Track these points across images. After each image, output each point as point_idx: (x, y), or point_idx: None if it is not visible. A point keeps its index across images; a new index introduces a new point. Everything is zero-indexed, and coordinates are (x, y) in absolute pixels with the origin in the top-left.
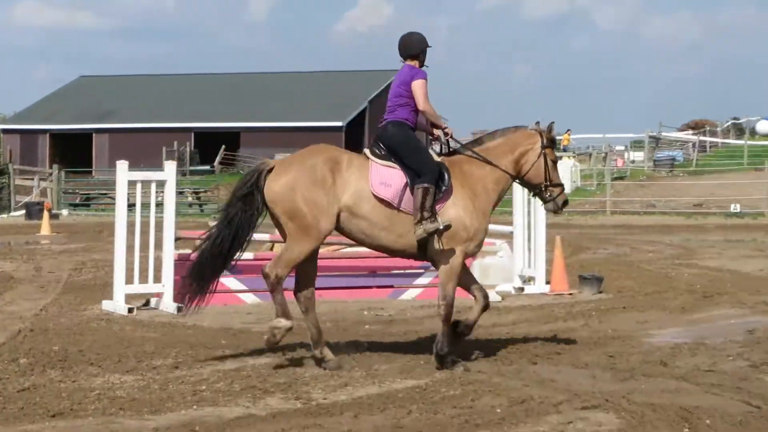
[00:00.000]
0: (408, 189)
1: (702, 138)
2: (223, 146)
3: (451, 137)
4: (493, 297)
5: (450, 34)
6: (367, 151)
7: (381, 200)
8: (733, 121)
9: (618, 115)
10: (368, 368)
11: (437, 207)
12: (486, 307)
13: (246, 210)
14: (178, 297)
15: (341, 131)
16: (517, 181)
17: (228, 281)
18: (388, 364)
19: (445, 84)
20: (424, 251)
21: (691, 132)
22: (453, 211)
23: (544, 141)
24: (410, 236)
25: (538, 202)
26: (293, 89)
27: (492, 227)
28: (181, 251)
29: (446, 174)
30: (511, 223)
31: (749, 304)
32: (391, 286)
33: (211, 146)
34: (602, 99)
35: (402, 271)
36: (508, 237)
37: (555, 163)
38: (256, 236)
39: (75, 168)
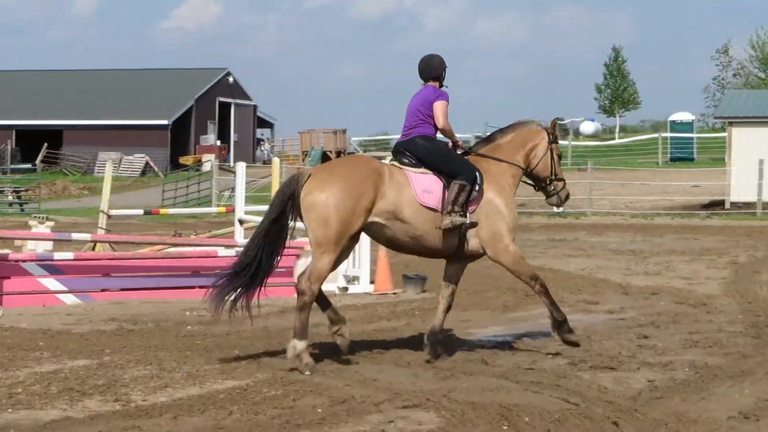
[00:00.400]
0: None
1: None
2: (46, 144)
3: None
4: None
5: (279, 32)
6: (395, 162)
7: (426, 207)
8: (557, 122)
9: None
10: (189, 369)
11: (473, 207)
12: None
13: (283, 220)
14: (213, 305)
15: (167, 130)
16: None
17: (47, 282)
18: (209, 365)
19: (275, 82)
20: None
21: None
22: (490, 208)
23: (551, 136)
24: (450, 237)
25: None
26: (118, 87)
27: None
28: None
29: (480, 176)
30: None
31: (570, 303)
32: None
33: (33, 144)
34: None
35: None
36: None
37: (560, 157)
38: (75, 236)
39: None
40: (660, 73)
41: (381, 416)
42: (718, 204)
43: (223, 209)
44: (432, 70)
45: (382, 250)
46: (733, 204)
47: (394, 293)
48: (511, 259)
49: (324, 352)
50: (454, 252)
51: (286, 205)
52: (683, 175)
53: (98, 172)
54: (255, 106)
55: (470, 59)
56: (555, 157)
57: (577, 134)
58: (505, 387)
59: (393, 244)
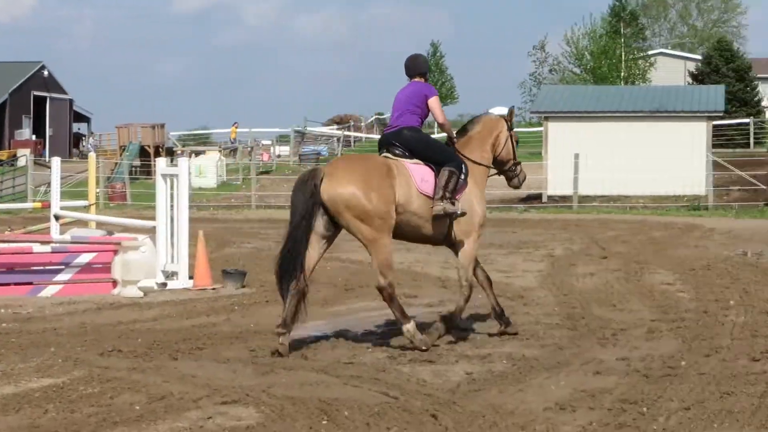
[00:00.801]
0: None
1: (346, 133)
2: None
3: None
4: (135, 293)
5: (96, 26)
6: (387, 154)
7: (425, 195)
8: (377, 116)
9: (266, 110)
10: (3, 368)
11: (458, 196)
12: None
13: (308, 219)
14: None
15: None
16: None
17: None
18: (25, 363)
19: (92, 76)
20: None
21: (336, 127)
22: (467, 199)
23: (508, 123)
24: (442, 224)
25: (181, 197)
26: None
27: (134, 222)
28: None
29: (465, 166)
30: (153, 218)
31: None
32: (31, 283)
33: None
34: (250, 94)
35: (42, 268)
36: (152, 232)
37: (518, 143)
38: None
39: None
40: (478, 68)
41: (200, 412)
42: (535, 197)
43: (38, 205)
44: (419, 66)
45: (201, 245)
46: (550, 197)
47: (214, 288)
48: (467, 251)
49: (139, 350)
50: (444, 238)
51: (311, 207)
52: None
53: None
54: (71, 100)
55: (290, 54)
56: (514, 142)
57: None
58: (324, 381)
59: (395, 233)
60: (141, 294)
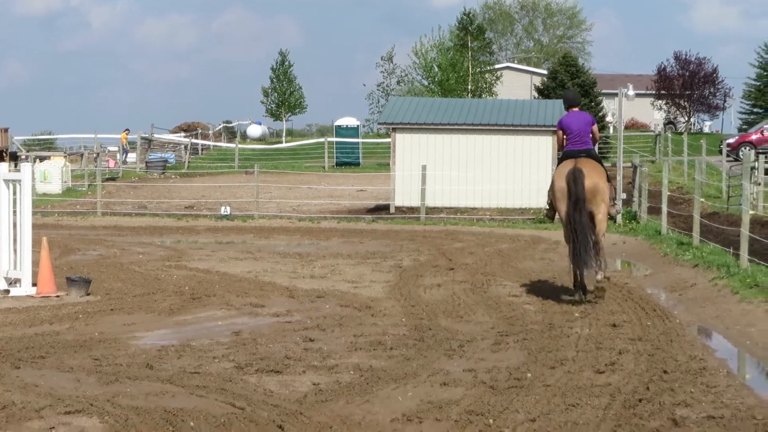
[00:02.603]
0: None
1: (194, 141)
2: None
3: None
4: None
5: None
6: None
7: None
8: (225, 125)
9: (113, 116)
10: None
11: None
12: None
13: (583, 198)
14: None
15: None
16: None
17: None
18: None
19: None
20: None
21: (183, 134)
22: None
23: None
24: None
25: (24, 202)
26: None
27: None
28: None
29: None
30: None
31: (236, 306)
32: None
33: None
34: (96, 99)
35: None
36: None
37: None
38: None
39: None
40: (327, 78)
41: (42, 422)
42: (384, 208)
43: None
44: (578, 100)
45: (44, 252)
46: (398, 208)
47: (58, 296)
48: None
49: None
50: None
51: (582, 191)
52: (349, 179)
53: None
54: None
55: (136, 60)
56: None
57: (245, 137)
58: (170, 391)
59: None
60: None
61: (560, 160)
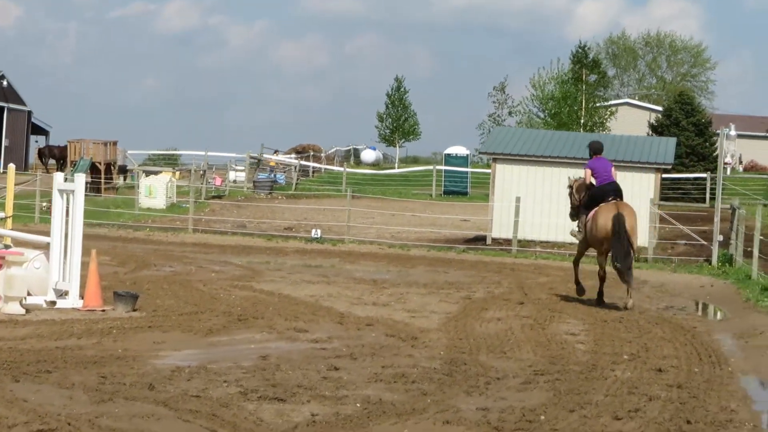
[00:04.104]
0: None
1: (304, 162)
2: None
3: None
4: (17, 310)
5: (78, 40)
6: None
7: None
8: (337, 148)
9: (233, 134)
10: None
11: None
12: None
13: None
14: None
15: None
16: None
17: None
18: None
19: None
20: None
21: (295, 155)
22: None
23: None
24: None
25: (76, 213)
26: None
27: (29, 236)
28: None
29: None
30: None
31: (279, 329)
32: None
33: None
34: (220, 117)
35: None
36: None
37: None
38: None
39: None
40: (441, 106)
41: None
42: (482, 239)
43: None
44: (602, 148)
45: (93, 264)
46: (494, 240)
47: (103, 310)
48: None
49: None
50: None
51: (621, 226)
52: (455, 208)
53: None
54: (29, 112)
55: (268, 81)
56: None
57: (359, 161)
58: (157, 414)
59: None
60: (22, 311)
61: (597, 194)
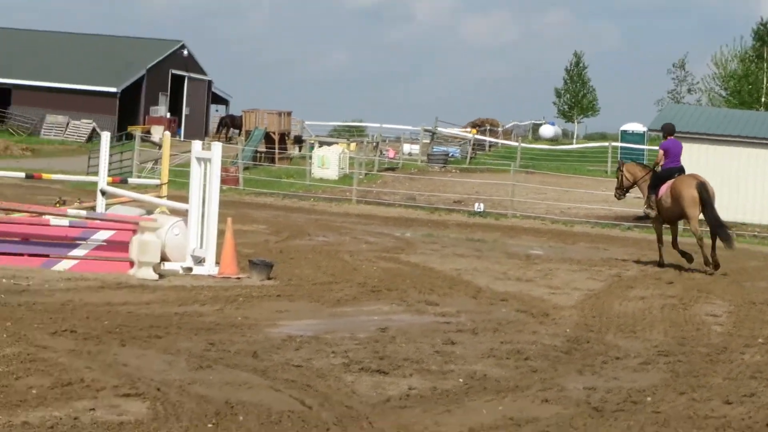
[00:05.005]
0: None
1: (479, 137)
2: None
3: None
4: (149, 275)
5: (271, 11)
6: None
7: None
8: (515, 123)
9: (422, 107)
10: None
11: None
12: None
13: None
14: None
15: (115, 97)
16: None
17: None
18: None
19: (262, 63)
20: None
21: (470, 129)
22: None
23: None
24: None
25: (212, 181)
26: (71, 51)
27: (169, 203)
28: None
29: None
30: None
31: (409, 302)
32: (47, 256)
33: None
34: (411, 90)
35: (58, 241)
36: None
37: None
38: None
39: None
40: (621, 82)
41: (88, 403)
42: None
43: (109, 179)
44: (674, 129)
45: (229, 232)
46: None
47: (238, 278)
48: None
49: (94, 333)
50: None
51: (707, 195)
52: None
53: (44, 134)
54: (210, 82)
55: (454, 55)
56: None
57: (537, 137)
58: (250, 383)
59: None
60: (155, 276)
61: (664, 175)
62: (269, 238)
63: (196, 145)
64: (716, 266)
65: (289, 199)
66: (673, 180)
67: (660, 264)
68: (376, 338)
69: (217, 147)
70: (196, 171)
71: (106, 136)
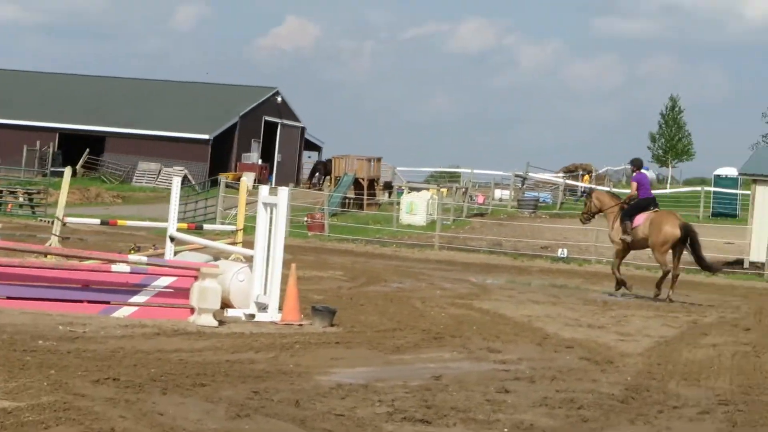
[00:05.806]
0: None
1: (569, 182)
2: (87, 150)
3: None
4: (209, 322)
5: (373, 59)
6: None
7: None
8: (608, 168)
9: (525, 152)
10: None
11: None
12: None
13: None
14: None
15: (207, 144)
16: None
17: None
18: (6, 382)
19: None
20: None
21: (562, 174)
22: None
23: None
24: None
25: (278, 227)
26: (165, 98)
27: (232, 249)
28: None
29: None
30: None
31: (471, 349)
32: (107, 302)
33: (75, 148)
34: (515, 136)
35: (119, 288)
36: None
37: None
38: None
39: None
40: (712, 126)
41: None
42: (740, 263)
43: (184, 225)
44: (642, 164)
45: (292, 278)
46: (752, 264)
47: (300, 324)
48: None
49: (137, 381)
50: None
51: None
52: (722, 231)
53: (136, 181)
54: (303, 128)
55: (560, 100)
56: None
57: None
58: None
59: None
60: (215, 323)
61: (639, 206)
62: (344, 284)
63: (263, 190)
64: (670, 299)
65: (371, 245)
66: (653, 212)
67: (624, 285)
68: (427, 386)
69: (284, 192)
70: (262, 216)
71: (176, 183)
